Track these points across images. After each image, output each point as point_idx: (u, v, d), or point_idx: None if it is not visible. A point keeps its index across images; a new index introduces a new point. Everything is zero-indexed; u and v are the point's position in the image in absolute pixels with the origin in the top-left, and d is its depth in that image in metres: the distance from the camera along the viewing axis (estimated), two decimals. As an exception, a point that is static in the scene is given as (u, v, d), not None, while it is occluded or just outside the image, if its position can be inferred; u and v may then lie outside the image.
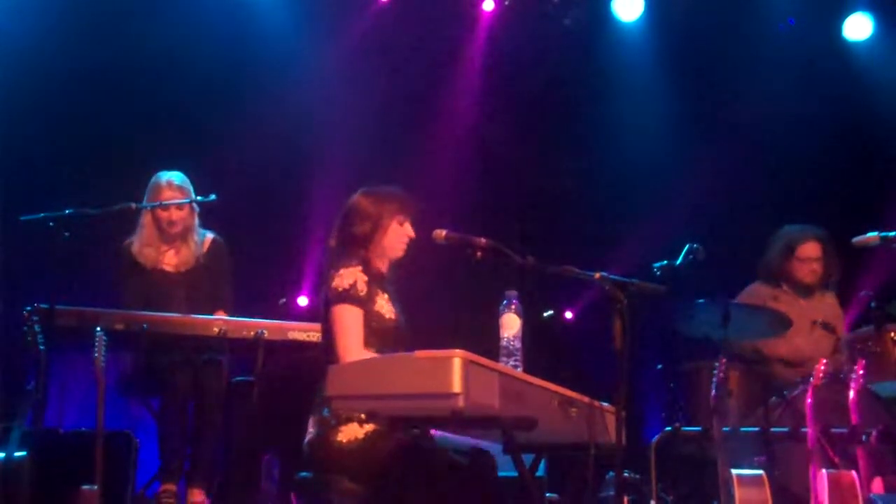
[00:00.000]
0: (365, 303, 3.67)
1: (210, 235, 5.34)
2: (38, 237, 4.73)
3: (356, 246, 3.79)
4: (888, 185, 6.75)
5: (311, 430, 3.64)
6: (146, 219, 5.20)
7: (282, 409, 4.81)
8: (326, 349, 3.70)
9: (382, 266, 3.84)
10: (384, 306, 3.75)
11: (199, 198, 5.20)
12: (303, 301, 6.46)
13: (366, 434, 3.51)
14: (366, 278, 3.70)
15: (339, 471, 3.51)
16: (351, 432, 3.51)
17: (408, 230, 3.86)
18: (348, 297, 3.64)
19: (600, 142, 7.17)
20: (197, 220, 5.29)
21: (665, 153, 7.11)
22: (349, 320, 3.63)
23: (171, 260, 5.23)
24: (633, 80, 7.28)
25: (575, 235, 7.07)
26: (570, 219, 7.26)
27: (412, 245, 3.87)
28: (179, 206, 5.17)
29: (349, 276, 3.68)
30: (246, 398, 5.08)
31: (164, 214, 5.16)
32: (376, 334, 3.68)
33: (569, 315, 7.21)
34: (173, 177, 5.23)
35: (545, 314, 6.29)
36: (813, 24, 7.26)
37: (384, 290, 3.80)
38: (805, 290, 5.62)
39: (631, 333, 3.49)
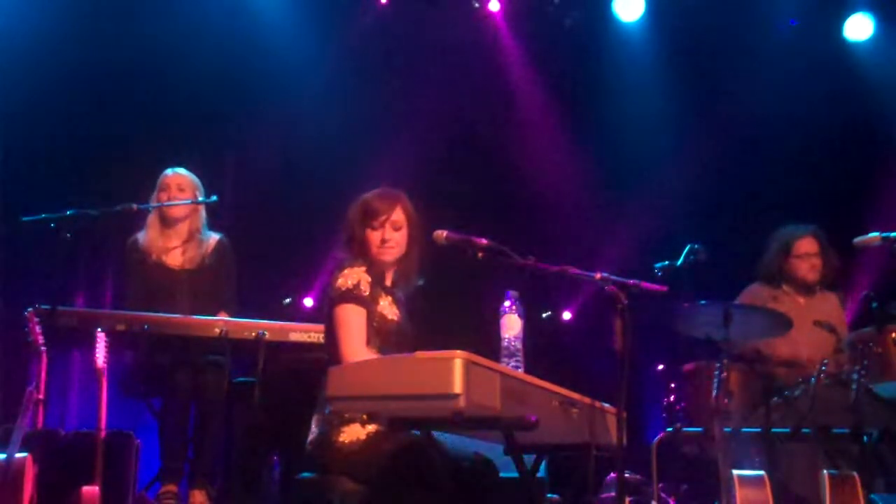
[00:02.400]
0: (368, 303, 3.68)
1: (216, 236, 5.35)
2: (40, 238, 4.74)
3: (356, 250, 3.81)
4: (889, 185, 6.75)
5: (313, 429, 3.65)
6: (153, 216, 5.22)
7: (283, 411, 4.81)
8: (329, 349, 3.70)
9: (385, 270, 3.85)
10: (387, 307, 3.76)
11: (201, 199, 5.22)
12: (308, 302, 6.46)
13: (368, 435, 3.51)
14: (369, 279, 3.71)
15: (340, 471, 3.51)
16: (353, 433, 3.52)
17: (384, 234, 3.80)
18: (351, 296, 3.65)
19: (600, 141, 7.17)
20: (204, 221, 5.31)
21: (666, 153, 7.11)
22: (352, 319, 3.63)
23: (176, 258, 5.24)
24: (634, 81, 7.27)
25: (575, 235, 7.07)
26: (570, 218, 7.26)
27: (412, 246, 3.86)
28: (181, 188, 5.20)
29: (353, 276, 3.69)
30: (247, 399, 5.08)
31: (163, 197, 5.19)
32: (379, 334, 3.69)
33: (567, 316, 7.22)
34: (179, 168, 5.28)
35: (543, 315, 6.29)
36: (814, 25, 7.26)
37: (388, 293, 3.80)
38: (806, 288, 5.63)
39: (632, 334, 3.49)
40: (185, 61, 6.34)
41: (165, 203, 5.18)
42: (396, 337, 3.74)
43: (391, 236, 3.80)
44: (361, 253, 3.80)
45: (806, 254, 5.62)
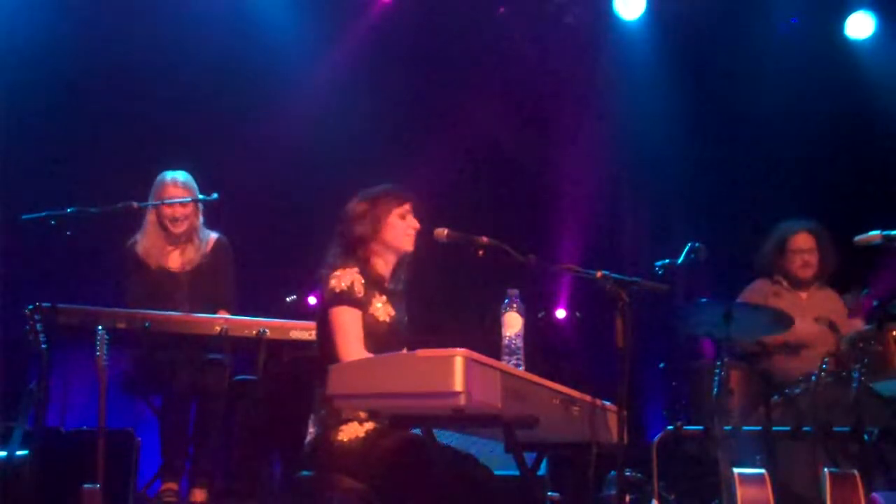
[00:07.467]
0: (362, 304, 3.68)
1: (214, 235, 5.34)
2: (40, 236, 4.74)
3: (356, 248, 3.80)
4: (890, 184, 6.74)
5: (311, 430, 3.65)
6: (150, 218, 5.20)
7: (283, 408, 4.81)
8: (322, 350, 3.69)
9: (384, 267, 3.84)
10: (380, 309, 3.75)
11: (201, 196, 5.21)
12: (313, 300, 6.44)
13: (367, 433, 3.52)
14: (363, 280, 3.71)
15: (340, 470, 3.51)
16: (352, 431, 3.52)
17: (411, 222, 3.86)
18: (346, 298, 3.65)
19: (601, 140, 7.17)
20: (202, 220, 5.29)
21: (667, 152, 7.11)
22: (348, 321, 3.63)
23: (175, 260, 5.24)
24: (635, 79, 7.27)
25: (576, 233, 7.07)
26: (571, 217, 7.26)
27: (421, 240, 3.86)
28: (183, 204, 5.18)
29: (346, 278, 3.68)
30: (248, 397, 5.08)
31: (168, 211, 5.17)
32: (370, 337, 3.67)
33: (561, 314, 7.21)
34: (178, 175, 5.25)
35: (539, 315, 6.30)
36: (815, 23, 7.26)
37: (382, 292, 3.80)
38: (800, 284, 5.65)
39: (633, 332, 3.48)
40: (187, 60, 6.34)
41: (168, 201, 5.16)
42: (387, 338, 3.71)
43: (416, 226, 3.85)
44: (367, 245, 3.80)
45: (799, 249, 5.66)
